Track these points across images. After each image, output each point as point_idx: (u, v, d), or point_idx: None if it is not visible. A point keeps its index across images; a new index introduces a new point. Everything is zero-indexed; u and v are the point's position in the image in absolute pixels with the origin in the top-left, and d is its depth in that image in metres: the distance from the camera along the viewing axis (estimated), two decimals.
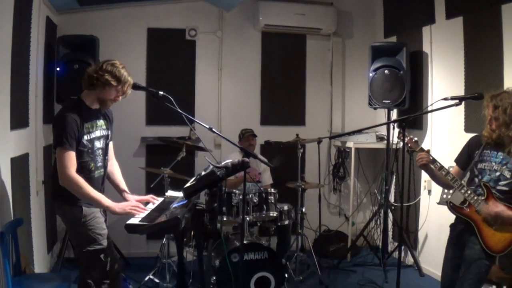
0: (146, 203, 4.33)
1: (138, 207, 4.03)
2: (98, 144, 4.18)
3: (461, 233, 4.34)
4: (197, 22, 7.75)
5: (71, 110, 3.99)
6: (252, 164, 6.29)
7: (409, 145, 4.46)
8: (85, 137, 4.03)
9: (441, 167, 4.30)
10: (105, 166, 4.31)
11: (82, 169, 4.02)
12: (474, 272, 4.13)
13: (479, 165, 4.33)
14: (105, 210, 4.18)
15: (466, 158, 4.49)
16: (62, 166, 3.85)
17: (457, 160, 4.58)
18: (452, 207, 4.38)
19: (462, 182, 4.29)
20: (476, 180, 4.32)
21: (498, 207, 4.09)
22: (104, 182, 4.36)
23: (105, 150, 4.28)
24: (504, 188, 4.16)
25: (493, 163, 4.23)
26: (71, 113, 3.96)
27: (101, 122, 4.24)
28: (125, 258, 6.94)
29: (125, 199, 4.32)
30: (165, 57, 7.65)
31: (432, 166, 4.35)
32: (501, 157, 4.19)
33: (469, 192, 4.23)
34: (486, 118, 4.28)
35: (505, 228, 4.09)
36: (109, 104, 4.17)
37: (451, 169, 4.48)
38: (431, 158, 4.33)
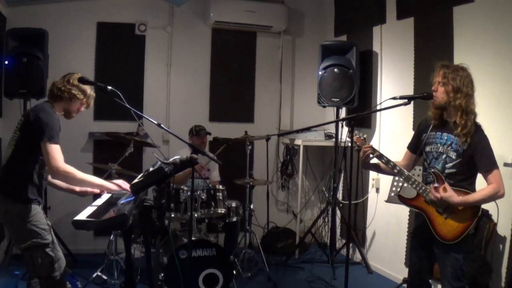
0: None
1: (123, 183, 4.27)
2: None
3: (425, 223, 4.17)
4: (147, 17, 7.67)
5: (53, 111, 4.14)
6: (201, 160, 6.27)
7: (357, 143, 4.39)
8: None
9: (388, 160, 4.22)
10: None
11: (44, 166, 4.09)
12: (449, 266, 4.01)
13: (426, 148, 4.23)
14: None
15: (415, 140, 4.40)
16: (54, 160, 3.90)
17: (408, 145, 4.50)
18: (401, 199, 4.33)
19: (409, 173, 4.19)
20: (426, 164, 4.25)
21: (446, 192, 3.93)
22: None
23: None
24: (451, 170, 4.04)
25: (438, 145, 4.13)
26: (55, 113, 4.11)
27: None
28: (73, 254, 6.81)
29: (84, 193, 4.43)
30: (114, 52, 7.56)
31: (378, 161, 4.30)
32: (445, 137, 4.09)
33: (416, 182, 4.13)
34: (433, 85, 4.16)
35: (455, 216, 3.97)
36: (73, 115, 4.33)
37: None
38: (377, 152, 4.26)
